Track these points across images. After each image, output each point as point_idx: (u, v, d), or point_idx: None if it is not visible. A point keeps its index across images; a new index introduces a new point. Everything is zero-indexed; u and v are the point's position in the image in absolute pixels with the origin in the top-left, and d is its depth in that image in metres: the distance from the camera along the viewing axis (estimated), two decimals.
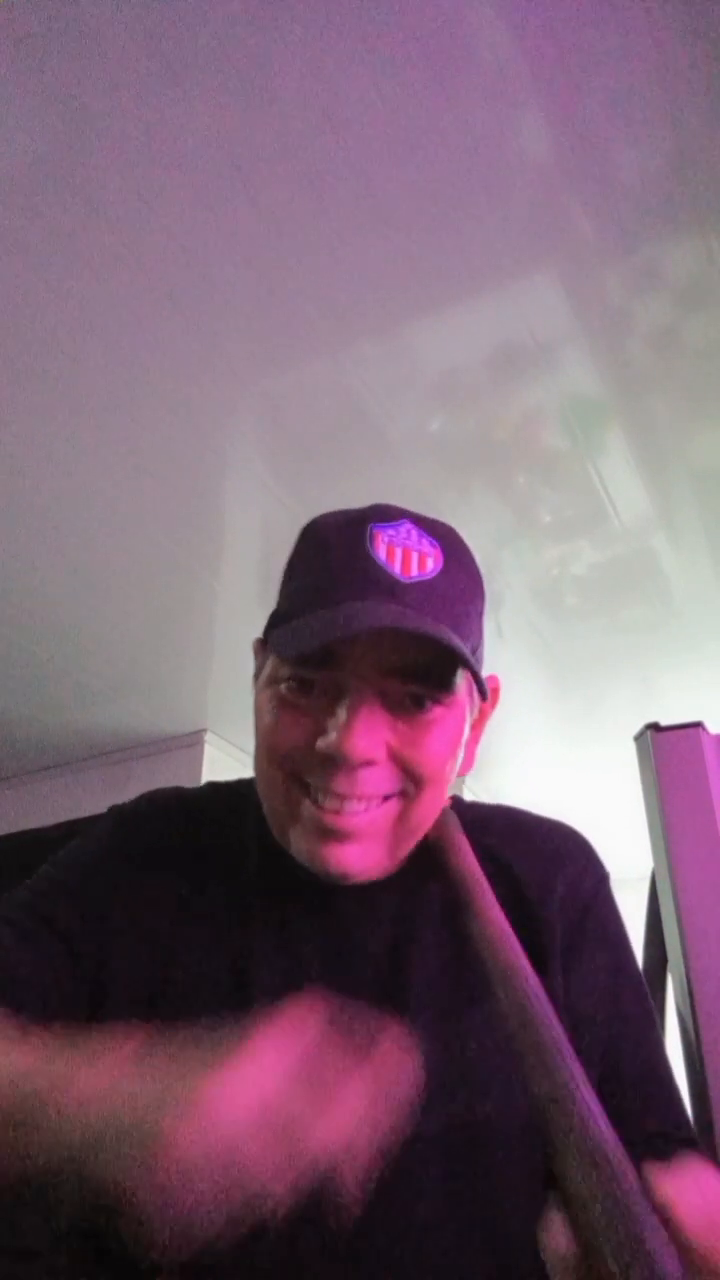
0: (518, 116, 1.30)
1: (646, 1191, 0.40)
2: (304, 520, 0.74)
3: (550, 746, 3.06)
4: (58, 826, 2.72)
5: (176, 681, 2.59)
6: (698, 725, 1.43)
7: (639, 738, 1.47)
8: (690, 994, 1.27)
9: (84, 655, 2.46)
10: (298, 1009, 0.46)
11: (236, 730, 2.68)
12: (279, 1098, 0.42)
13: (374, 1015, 0.48)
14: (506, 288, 1.55)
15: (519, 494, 2.01)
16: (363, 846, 0.65)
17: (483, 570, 0.73)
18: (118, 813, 0.78)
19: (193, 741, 2.80)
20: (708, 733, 1.43)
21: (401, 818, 0.66)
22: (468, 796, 3.33)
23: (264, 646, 0.70)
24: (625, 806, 2.55)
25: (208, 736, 2.79)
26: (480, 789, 3.23)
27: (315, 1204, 0.41)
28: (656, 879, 1.42)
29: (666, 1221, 0.39)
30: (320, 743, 0.63)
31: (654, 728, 1.45)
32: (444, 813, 0.73)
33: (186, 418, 1.77)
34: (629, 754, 1.49)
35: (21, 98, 1.25)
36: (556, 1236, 0.40)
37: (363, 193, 1.39)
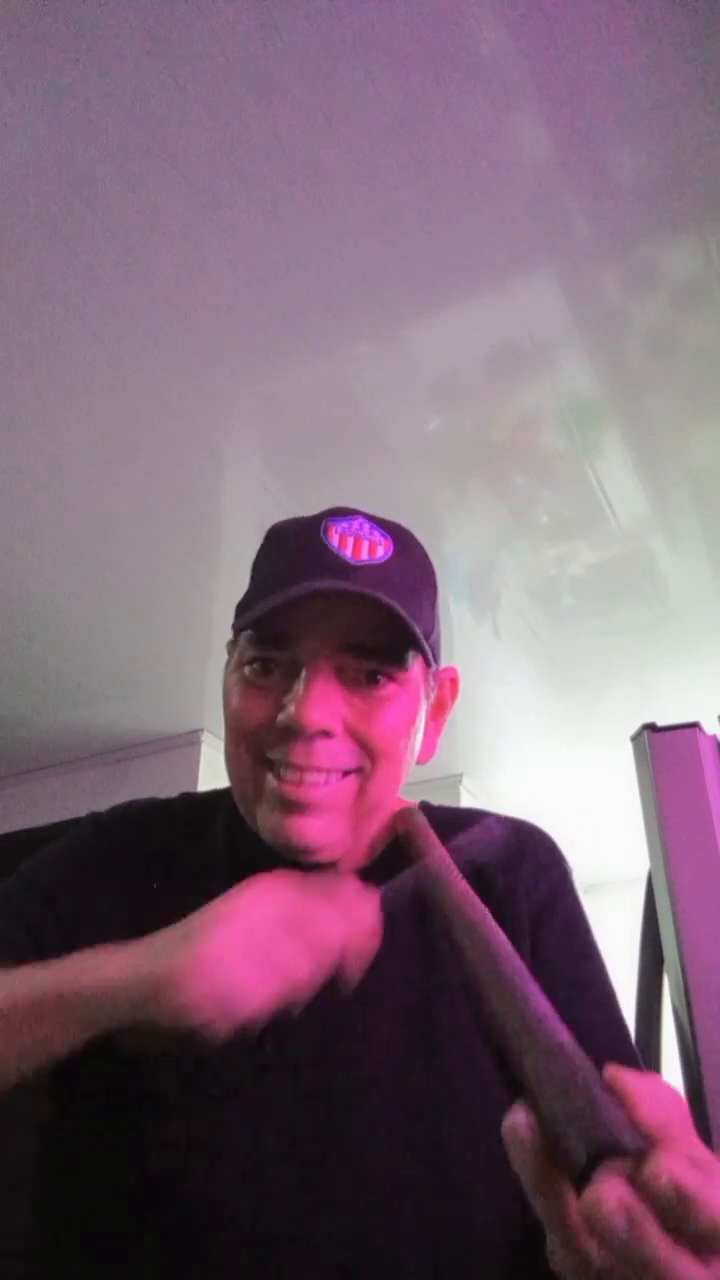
0: (516, 117, 1.31)
1: (605, 1081, 0.41)
2: None
3: (547, 747, 3.06)
4: (54, 826, 2.71)
5: (174, 681, 2.59)
6: (694, 726, 1.43)
7: (636, 738, 1.47)
8: (686, 994, 1.27)
9: (81, 655, 2.47)
10: (267, 876, 0.58)
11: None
12: (269, 924, 0.54)
13: (334, 876, 0.58)
14: (504, 288, 1.55)
15: (516, 494, 2.01)
16: (324, 820, 0.67)
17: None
18: (94, 818, 0.81)
19: (189, 741, 2.81)
20: (704, 733, 1.43)
21: (360, 794, 0.69)
22: (465, 798, 3.33)
23: (234, 645, 0.75)
24: (622, 807, 2.55)
25: (204, 736, 2.79)
26: (477, 789, 3.23)
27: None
28: (653, 879, 1.42)
29: (621, 1104, 0.40)
30: (279, 716, 0.66)
31: (651, 728, 1.45)
32: (413, 811, 0.75)
33: (185, 417, 1.77)
34: (626, 754, 1.50)
35: (21, 97, 1.25)
36: (516, 1119, 0.41)
37: (361, 192, 1.39)
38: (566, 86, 1.27)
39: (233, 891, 0.57)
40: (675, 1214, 0.35)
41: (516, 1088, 0.44)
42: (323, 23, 1.18)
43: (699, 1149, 0.38)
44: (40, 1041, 0.56)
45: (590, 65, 1.24)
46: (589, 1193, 0.36)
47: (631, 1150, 0.37)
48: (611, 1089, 0.41)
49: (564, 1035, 0.45)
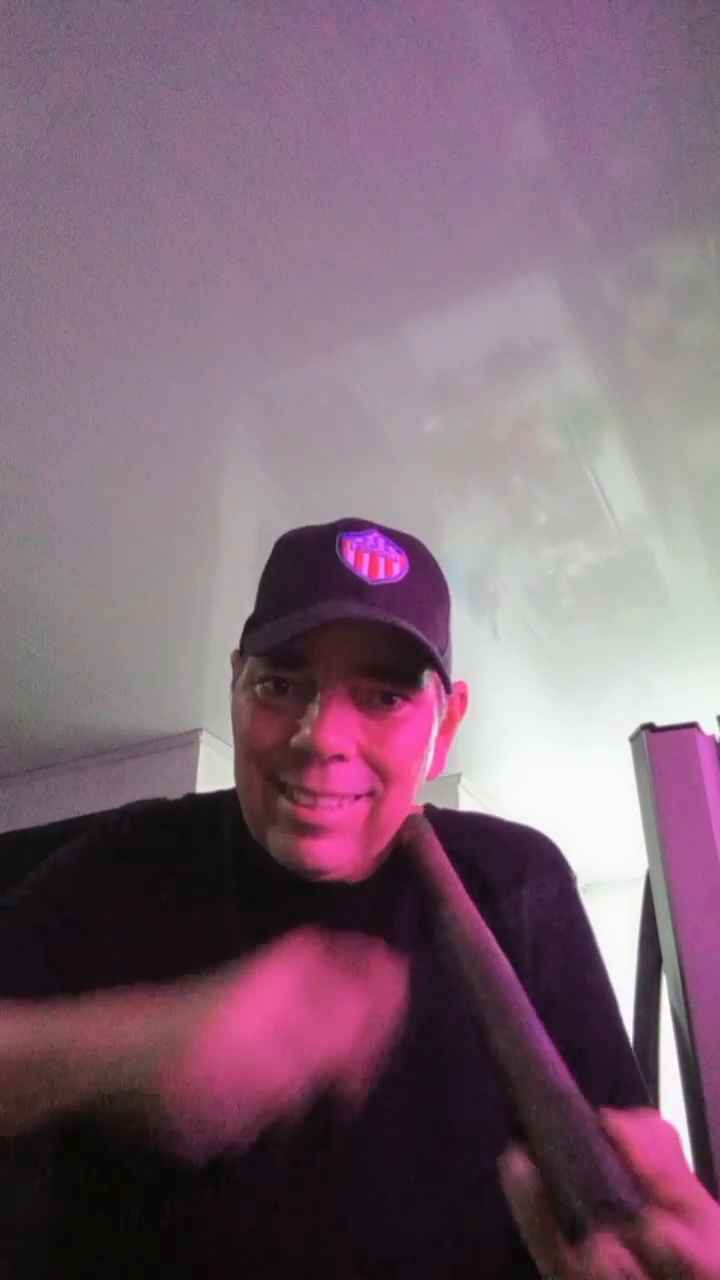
0: (515, 117, 1.31)
1: (602, 1129, 0.42)
2: (300, 521, 0.76)
3: (546, 747, 3.06)
4: (53, 826, 2.72)
5: (172, 681, 2.59)
6: (693, 726, 1.43)
7: (634, 738, 1.47)
8: (685, 994, 1.27)
9: (80, 655, 2.46)
10: (293, 943, 0.53)
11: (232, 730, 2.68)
12: (289, 1012, 0.49)
13: (363, 939, 0.55)
14: (503, 288, 1.55)
15: (515, 494, 2.01)
16: (336, 842, 0.67)
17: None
18: (101, 822, 0.80)
19: (188, 741, 2.80)
20: (703, 733, 1.43)
21: (372, 816, 0.68)
22: (463, 798, 3.33)
23: (241, 657, 0.73)
24: (621, 807, 2.55)
25: (203, 736, 2.79)
26: (476, 790, 3.23)
27: (325, 1104, 0.49)
28: (651, 880, 1.42)
29: (621, 1156, 0.41)
30: (294, 739, 0.65)
31: (649, 728, 1.45)
32: (418, 818, 0.75)
33: (184, 417, 1.77)
34: (624, 755, 1.50)
35: (20, 97, 1.25)
36: (517, 1169, 0.42)
37: (360, 193, 1.39)
38: (566, 87, 1.27)
39: (258, 960, 0.52)
40: (670, 1273, 0.36)
41: (517, 1123, 0.44)
42: (322, 23, 1.18)
43: (695, 1194, 0.39)
44: (52, 1095, 0.53)
45: (590, 65, 1.24)
46: (589, 1254, 0.37)
47: (629, 1207, 0.38)
48: (609, 1137, 0.41)
49: (565, 1082, 0.45)
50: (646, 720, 1.48)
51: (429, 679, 0.69)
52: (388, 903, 0.73)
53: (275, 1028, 0.48)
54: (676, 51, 1.24)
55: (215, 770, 2.76)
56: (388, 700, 0.67)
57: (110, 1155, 0.64)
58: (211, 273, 1.50)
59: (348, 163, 1.35)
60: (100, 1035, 0.52)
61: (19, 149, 1.31)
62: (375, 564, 0.68)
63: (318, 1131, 0.59)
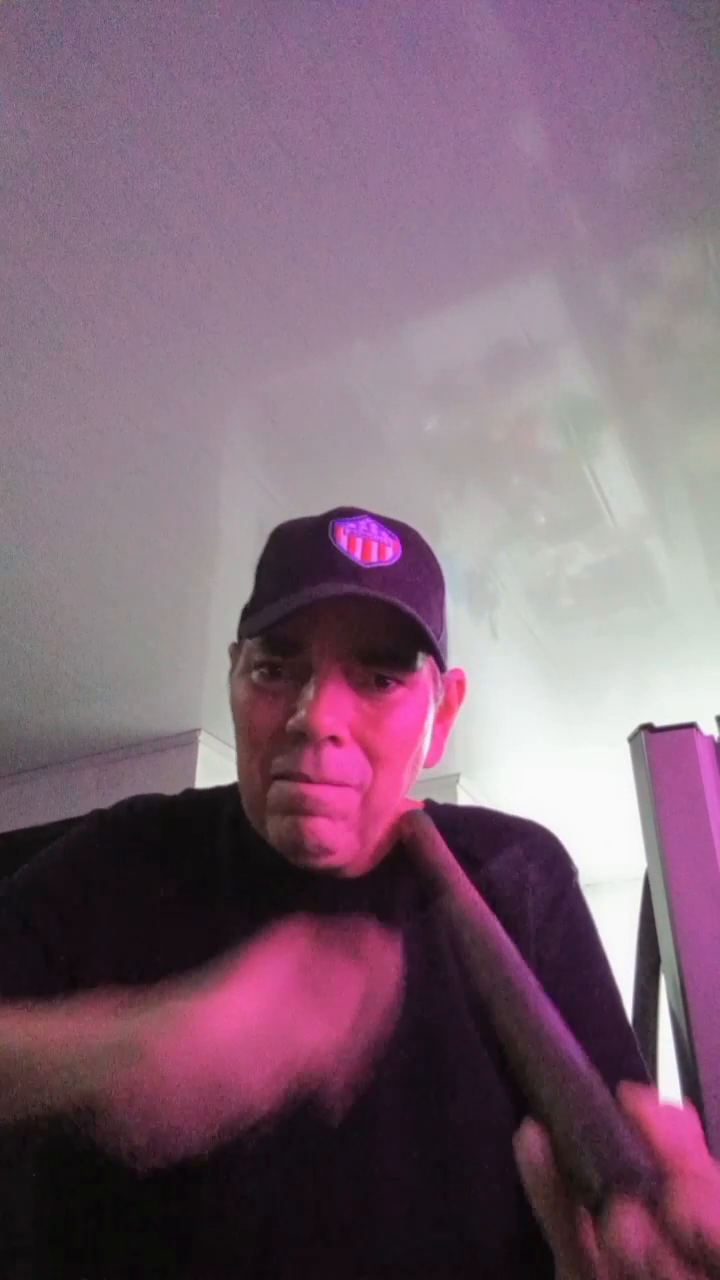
0: (514, 117, 1.31)
1: (619, 1103, 0.41)
2: None
3: (545, 747, 3.07)
4: (53, 826, 2.72)
5: (171, 681, 2.59)
6: (691, 726, 1.43)
7: (633, 739, 1.47)
8: (684, 994, 1.27)
9: (79, 654, 2.46)
10: (284, 931, 0.50)
11: (231, 730, 2.68)
12: (270, 1011, 0.45)
13: (354, 921, 0.53)
14: (502, 288, 1.55)
15: (514, 495, 2.01)
16: (332, 823, 0.67)
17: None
18: (98, 816, 0.80)
19: (187, 741, 2.81)
20: (701, 734, 1.43)
21: (366, 801, 0.68)
22: (462, 797, 3.33)
23: (238, 647, 0.74)
24: (619, 807, 2.55)
25: (202, 736, 2.79)
26: (475, 789, 3.23)
27: (303, 1109, 0.45)
28: (650, 880, 1.42)
29: (638, 1130, 0.40)
30: (289, 721, 0.65)
31: (648, 729, 1.45)
32: (418, 813, 0.75)
33: (182, 417, 1.77)
34: (623, 755, 1.50)
35: (19, 96, 1.25)
36: (531, 1143, 0.41)
37: (359, 193, 1.39)
38: (566, 86, 1.27)
39: (244, 954, 0.49)
40: (695, 1248, 0.35)
41: (526, 1105, 0.44)
42: (321, 23, 1.19)
43: (713, 1172, 0.38)
44: (13, 1106, 0.50)
45: (590, 65, 1.25)
46: (610, 1226, 0.36)
47: (649, 1179, 0.37)
48: (626, 1112, 0.41)
49: (578, 1057, 0.45)
50: (645, 720, 1.48)
51: (423, 662, 0.69)
52: (388, 896, 0.72)
53: (253, 1028, 0.45)
54: (676, 51, 1.24)
55: (214, 770, 2.76)
56: (382, 683, 0.67)
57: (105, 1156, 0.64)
58: (211, 273, 1.50)
59: (346, 163, 1.35)
60: (63, 1042, 0.49)
61: (19, 149, 1.31)
62: (368, 548, 0.68)
63: (311, 1129, 0.58)
